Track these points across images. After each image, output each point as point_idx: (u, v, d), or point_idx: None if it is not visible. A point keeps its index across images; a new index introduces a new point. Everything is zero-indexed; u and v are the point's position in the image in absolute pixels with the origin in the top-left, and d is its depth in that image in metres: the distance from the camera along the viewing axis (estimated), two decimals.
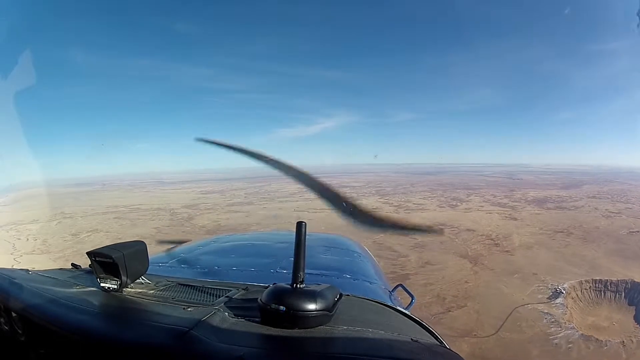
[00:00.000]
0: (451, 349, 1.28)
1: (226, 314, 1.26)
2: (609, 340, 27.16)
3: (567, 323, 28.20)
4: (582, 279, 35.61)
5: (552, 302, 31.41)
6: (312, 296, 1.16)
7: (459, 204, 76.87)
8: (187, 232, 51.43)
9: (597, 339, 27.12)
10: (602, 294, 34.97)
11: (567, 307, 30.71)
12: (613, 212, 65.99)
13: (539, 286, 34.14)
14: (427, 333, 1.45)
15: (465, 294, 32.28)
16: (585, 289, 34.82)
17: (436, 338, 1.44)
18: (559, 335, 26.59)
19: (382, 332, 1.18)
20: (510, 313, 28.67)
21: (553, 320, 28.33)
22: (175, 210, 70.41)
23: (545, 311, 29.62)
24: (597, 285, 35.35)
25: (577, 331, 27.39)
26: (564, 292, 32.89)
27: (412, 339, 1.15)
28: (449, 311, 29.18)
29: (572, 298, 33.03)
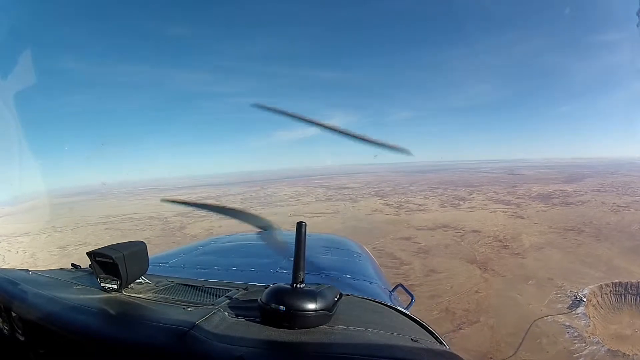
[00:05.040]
0: (451, 349, 1.25)
1: (226, 314, 1.26)
2: (636, 354, 25.19)
3: (591, 337, 25.74)
4: (602, 283, 33.44)
5: (573, 312, 28.90)
6: (312, 296, 1.15)
7: (461, 202, 75.25)
8: (178, 243, 49.19)
9: (623, 353, 25.00)
10: (623, 297, 32.96)
11: (589, 317, 28.28)
12: (621, 206, 64.74)
13: (556, 293, 31.66)
14: (427, 333, 1.43)
15: (476, 306, 29.67)
16: (606, 293, 32.58)
17: (436, 338, 1.42)
18: (584, 352, 24.10)
19: (382, 332, 1.18)
20: (529, 328, 26.09)
21: (576, 334, 25.79)
22: (168, 219, 69.40)
23: (567, 323, 27.07)
24: (617, 288, 33.21)
25: (602, 346, 24.99)
26: (585, 299, 30.51)
27: (412, 339, 1.15)
28: (460, 328, 26.62)
29: (593, 305, 30.68)
